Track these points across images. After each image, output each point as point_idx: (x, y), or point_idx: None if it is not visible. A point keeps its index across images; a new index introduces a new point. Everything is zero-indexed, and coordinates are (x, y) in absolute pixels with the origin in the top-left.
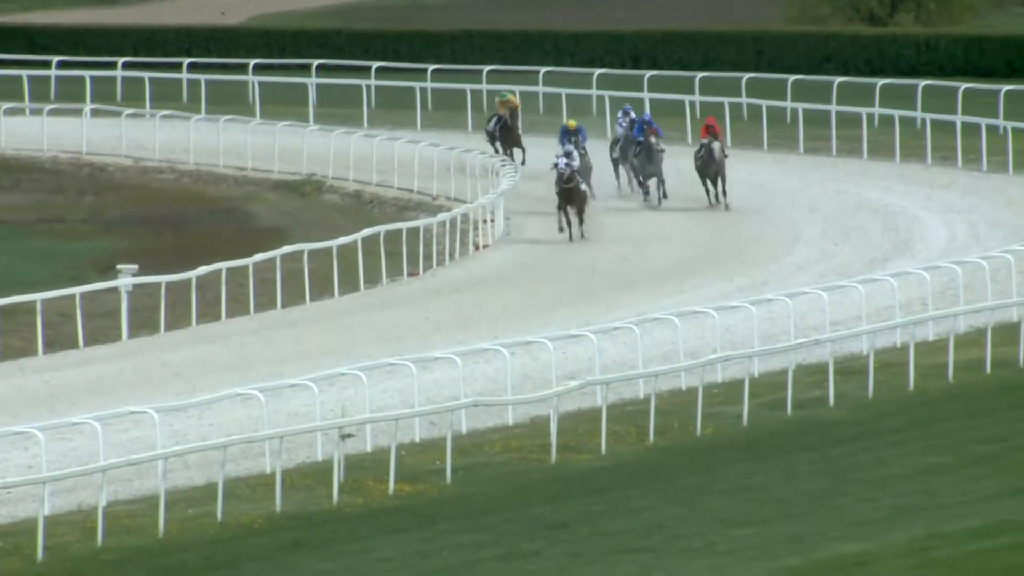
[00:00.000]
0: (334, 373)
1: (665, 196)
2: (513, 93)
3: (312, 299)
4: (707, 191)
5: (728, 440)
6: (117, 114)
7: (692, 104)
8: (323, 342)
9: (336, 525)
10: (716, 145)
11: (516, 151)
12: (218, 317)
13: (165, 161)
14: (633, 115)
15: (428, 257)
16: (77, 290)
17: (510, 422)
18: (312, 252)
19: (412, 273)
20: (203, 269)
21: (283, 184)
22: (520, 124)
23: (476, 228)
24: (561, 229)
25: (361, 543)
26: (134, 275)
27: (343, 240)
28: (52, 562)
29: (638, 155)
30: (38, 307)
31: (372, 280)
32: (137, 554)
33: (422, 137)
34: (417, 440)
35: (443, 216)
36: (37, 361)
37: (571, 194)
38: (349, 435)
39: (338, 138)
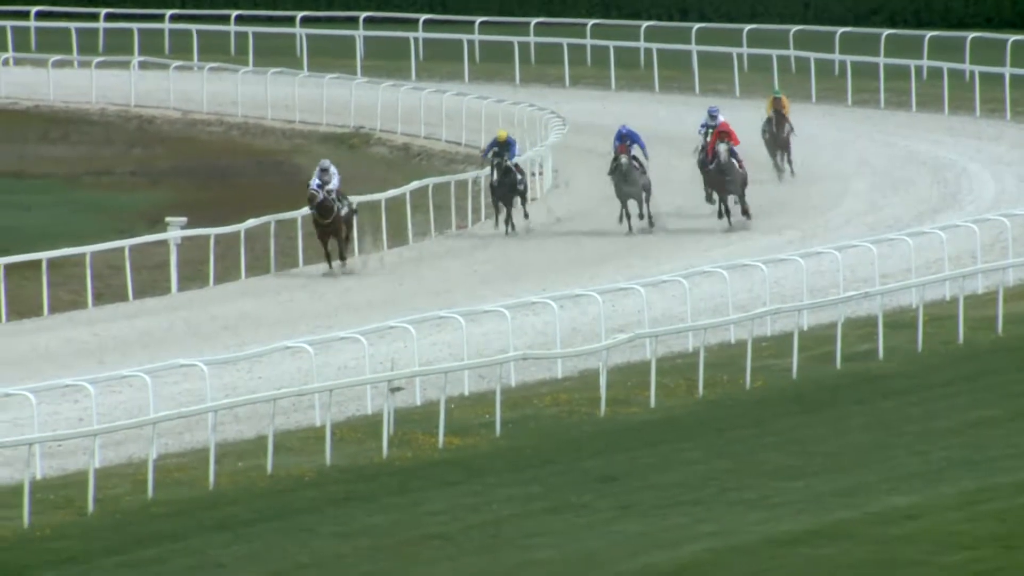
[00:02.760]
0: (383, 326)
1: (651, 223)
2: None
3: (360, 252)
4: (719, 203)
5: (778, 393)
6: (165, 66)
7: (740, 57)
8: (372, 295)
9: (386, 478)
10: (723, 147)
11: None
12: (267, 270)
13: (213, 114)
14: (721, 118)
15: (476, 210)
16: (126, 243)
17: (559, 375)
18: (360, 205)
19: (460, 226)
20: (252, 222)
21: (331, 137)
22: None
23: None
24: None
25: (411, 496)
26: (183, 228)
27: (391, 193)
28: (103, 515)
29: (613, 172)
30: (87, 260)
31: (421, 233)
32: (187, 507)
33: (470, 90)
34: (466, 393)
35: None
36: (87, 314)
37: (327, 229)
38: (398, 388)
39: (386, 91)
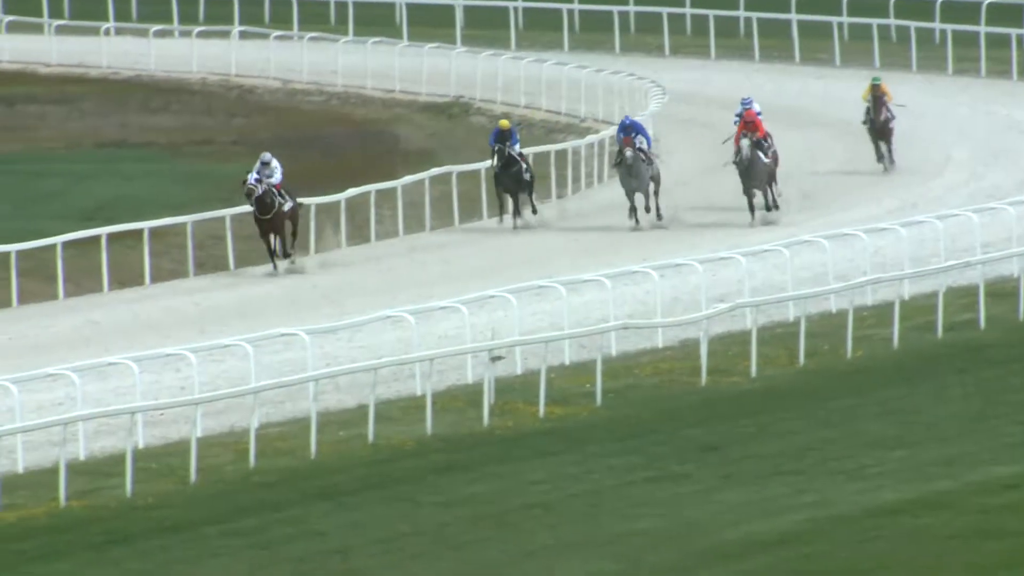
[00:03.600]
0: (484, 296)
1: (659, 216)
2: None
3: (461, 221)
4: (749, 203)
5: (879, 363)
6: (265, 36)
7: (840, 26)
8: (472, 265)
9: (487, 447)
10: (745, 144)
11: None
12: (367, 239)
13: (313, 83)
14: (756, 107)
15: (576, 179)
16: (227, 212)
17: (660, 344)
18: (460, 174)
19: (560, 196)
20: (351, 191)
21: (431, 106)
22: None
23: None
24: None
25: (512, 465)
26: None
27: (491, 162)
28: (205, 484)
29: (618, 165)
30: (188, 229)
31: (520, 203)
32: (289, 476)
33: (570, 59)
34: (567, 363)
35: (591, 138)
36: (188, 283)
37: (268, 226)
38: (499, 357)
39: (486, 60)
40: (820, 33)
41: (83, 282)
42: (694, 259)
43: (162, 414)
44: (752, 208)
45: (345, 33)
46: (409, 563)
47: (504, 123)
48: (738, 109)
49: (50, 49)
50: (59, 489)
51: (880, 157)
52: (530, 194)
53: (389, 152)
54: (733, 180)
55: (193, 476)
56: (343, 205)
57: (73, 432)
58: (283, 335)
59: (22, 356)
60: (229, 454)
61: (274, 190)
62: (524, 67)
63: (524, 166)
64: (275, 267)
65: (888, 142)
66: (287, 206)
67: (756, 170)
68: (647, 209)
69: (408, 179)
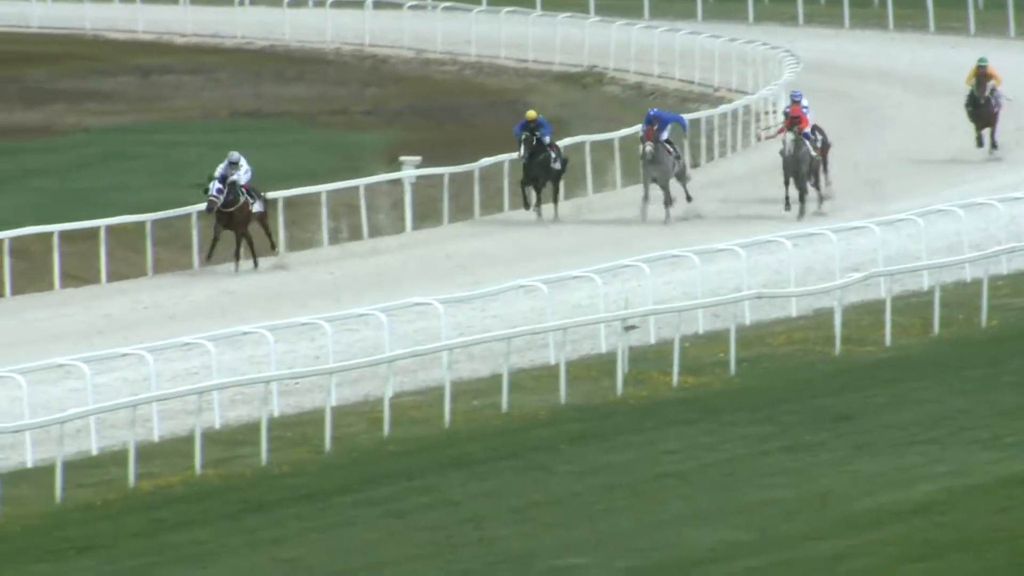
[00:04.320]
0: (617, 265)
1: (688, 198)
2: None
3: (594, 191)
4: (786, 195)
5: (1014, 332)
6: (399, 6)
7: None
8: (605, 233)
9: (620, 417)
10: (789, 138)
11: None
12: (500, 208)
13: (447, 53)
14: (805, 104)
15: (710, 148)
16: (361, 181)
17: (793, 314)
18: (594, 144)
19: (694, 165)
20: (485, 161)
21: (564, 76)
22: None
23: (757, 119)
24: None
25: (645, 435)
26: (417, 167)
27: (624, 132)
28: (339, 452)
29: (642, 157)
30: (323, 198)
31: None
32: (423, 445)
33: (703, 28)
34: (700, 332)
35: (724, 108)
36: (322, 252)
37: (231, 219)
38: (633, 327)
39: (619, 29)
40: (955, 2)
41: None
42: (828, 228)
43: (297, 383)
44: (788, 200)
45: (479, 3)
46: (542, 532)
47: (531, 113)
48: (786, 102)
49: (185, 19)
50: (195, 458)
51: (980, 142)
52: (556, 186)
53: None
54: (870, 148)
55: (327, 445)
56: (476, 174)
57: (208, 401)
58: (417, 304)
59: (158, 326)
60: (363, 423)
61: (240, 188)
62: (657, 36)
63: (553, 155)
64: (236, 268)
65: (993, 128)
66: (255, 206)
67: (800, 164)
68: (665, 202)
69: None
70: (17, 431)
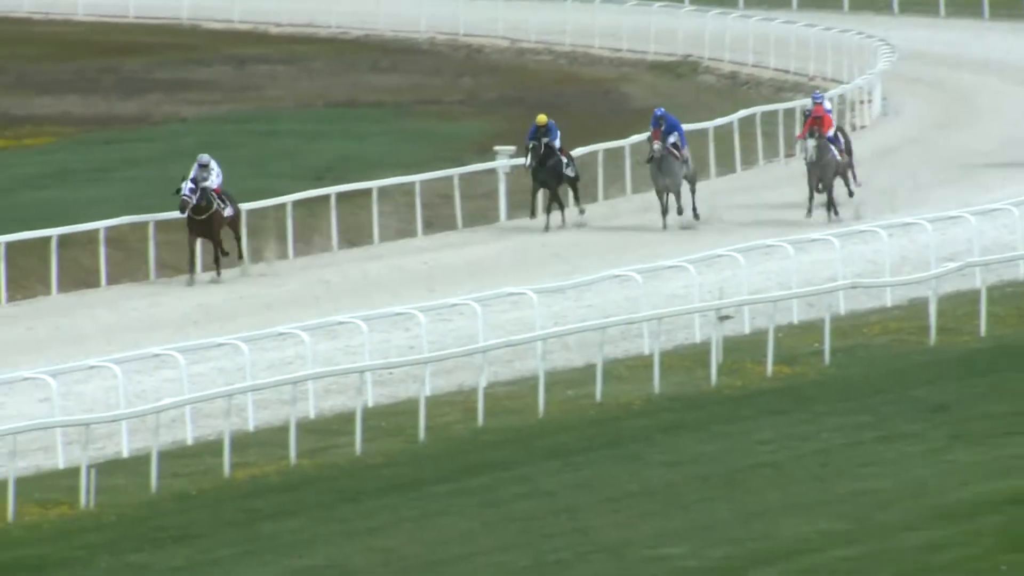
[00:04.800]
0: (711, 255)
1: (696, 215)
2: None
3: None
4: (809, 201)
5: None
6: None
7: None
8: (701, 224)
9: (715, 407)
10: (811, 143)
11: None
12: (595, 198)
13: (541, 42)
14: (828, 106)
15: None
16: (455, 171)
17: (888, 304)
18: (688, 133)
19: (789, 154)
20: (580, 150)
21: (658, 65)
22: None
23: (853, 108)
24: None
25: (740, 425)
26: (511, 156)
27: (719, 121)
28: (434, 442)
29: (649, 162)
30: (416, 188)
31: (748, 162)
32: (517, 435)
33: (798, 17)
34: (795, 322)
35: None
36: (416, 242)
37: (202, 226)
38: (727, 317)
39: (714, 18)
40: None
41: (313, 241)
42: (923, 218)
43: (391, 373)
44: (811, 207)
45: None
46: (637, 522)
47: (541, 118)
48: (808, 105)
49: (281, 9)
50: (289, 447)
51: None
52: (575, 193)
53: (617, 111)
54: (959, 138)
55: (422, 435)
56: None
57: (303, 391)
58: (511, 294)
59: (253, 315)
60: (457, 413)
61: (211, 193)
62: (752, 25)
63: (564, 160)
64: (191, 277)
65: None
66: (227, 211)
67: (826, 170)
68: (679, 211)
69: (636, 138)
70: (113, 421)
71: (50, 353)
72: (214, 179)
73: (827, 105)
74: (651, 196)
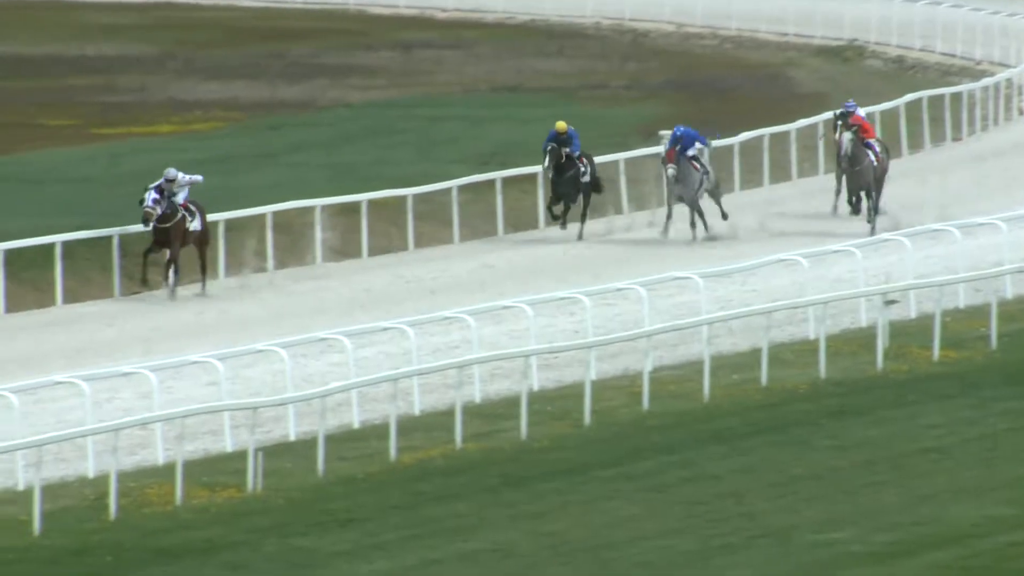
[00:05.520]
0: (878, 240)
1: (706, 227)
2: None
3: (799, 176)
4: (848, 196)
5: None
6: None
7: None
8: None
9: (881, 391)
10: (847, 136)
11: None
12: (760, 184)
13: (707, 27)
14: (860, 112)
15: (971, 122)
16: (620, 156)
17: None
18: (774, 136)
19: (956, 139)
20: (745, 135)
21: (825, 49)
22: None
23: (1021, 93)
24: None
25: (906, 409)
26: None
27: (885, 105)
28: (599, 426)
29: (667, 181)
30: None
31: (915, 145)
32: (682, 419)
33: (965, 1)
34: (961, 306)
35: (987, 81)
36: (588, 227)
37: (166, 236)
38: (893, 301)
39: (880, 3)
40: None
41: (478, 225)
42: None
43: (556, 357)
44: (837, 205)
45: None
46: (803, 506)
47: (561, 125)
48: (839, 112)
49: None
50: (455, 431)
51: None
52: (586, 201)
53: (783, 96)
54: None
55: (587, 419)
56: (736, 148)
57: (469, 375)
58: (676, 278)
59: (419, 299)
60: (622, 397)
61: (178, 205)
62: (919, 9)
63: (583, 168)
64: (144, 286)
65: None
66: (193, 224)
67: (863, 168)
68: (692, 224)
69: (802, 123)
70: (280, 404)
71: (217, 337)
72: (182, 194)
73: (860, 113)
74: (818, 180)
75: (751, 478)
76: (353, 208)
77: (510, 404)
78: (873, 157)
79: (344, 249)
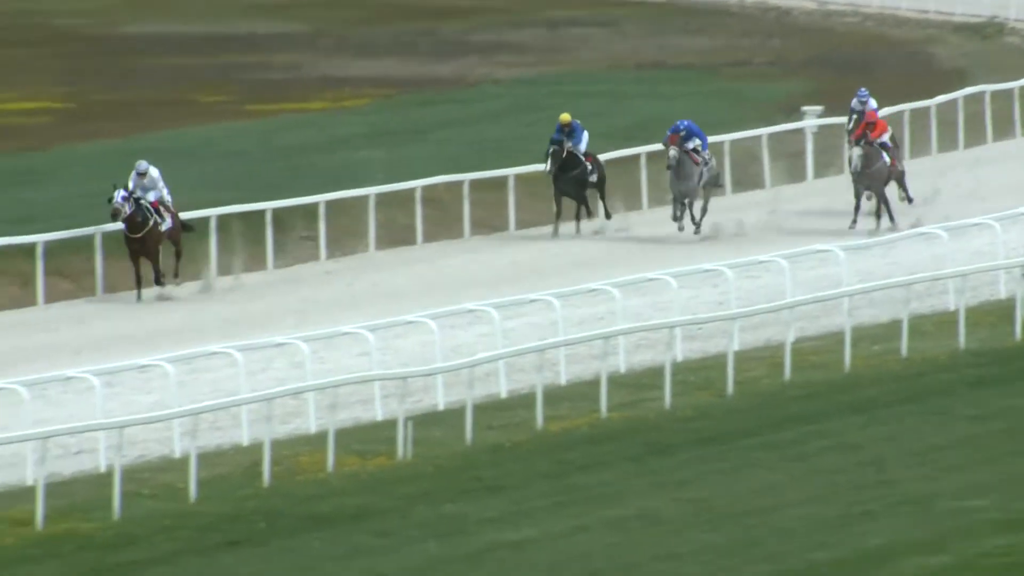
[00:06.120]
0: (1016, 212)
1: (696, 226)
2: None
3: (994, 139)
4: (856, 206)
5: None
6: None
7: None
8: (1003, 181)
9: (1020, 362)
10: (856, 152)
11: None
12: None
13: (848, 4)
14: (872, 103)
15: None
16: (764, 131)
17: None
18: (994, 93)
19: None
20: (885, 110)
21: (964, 26)
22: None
23: None
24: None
25: None
26: (819, 116)
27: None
28: (741, 397)
29: (670, 168)
30: (726, 147)
31: None
32: (823, 389)
33: None
34: None
35: None
36: (725, 201)
37: (137, 247)
38: None
39: None
40: None
41: (623, 199)
42: None
43: (700, 328)
44: (856, 217)
45: None
46: (943, 475)
47: (565, 117)
48: (854, 103)
49: None
50: (600, 401)
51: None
52: (602, 197)
53: (922, 71)
54: None
55: (730, 389)
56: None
57: (614, 346)
58: (818, 251)
59: (565, 272)
60: (764, 367)
61: (149, 207)
62: None
63: (589, 167)
64: (139, 295)
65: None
66: (164, 226)
67: (873, 176)
68: (692, 218)
69: (941, 98)
70: (429, 375)
71: (368, 309)
72: (153, 193)
73: (873, 103)
74: (957, 155)
75: (891, 447)
76: (500, 183)
77: (654, 374)
78: (887, 159)
79: (491, 223)
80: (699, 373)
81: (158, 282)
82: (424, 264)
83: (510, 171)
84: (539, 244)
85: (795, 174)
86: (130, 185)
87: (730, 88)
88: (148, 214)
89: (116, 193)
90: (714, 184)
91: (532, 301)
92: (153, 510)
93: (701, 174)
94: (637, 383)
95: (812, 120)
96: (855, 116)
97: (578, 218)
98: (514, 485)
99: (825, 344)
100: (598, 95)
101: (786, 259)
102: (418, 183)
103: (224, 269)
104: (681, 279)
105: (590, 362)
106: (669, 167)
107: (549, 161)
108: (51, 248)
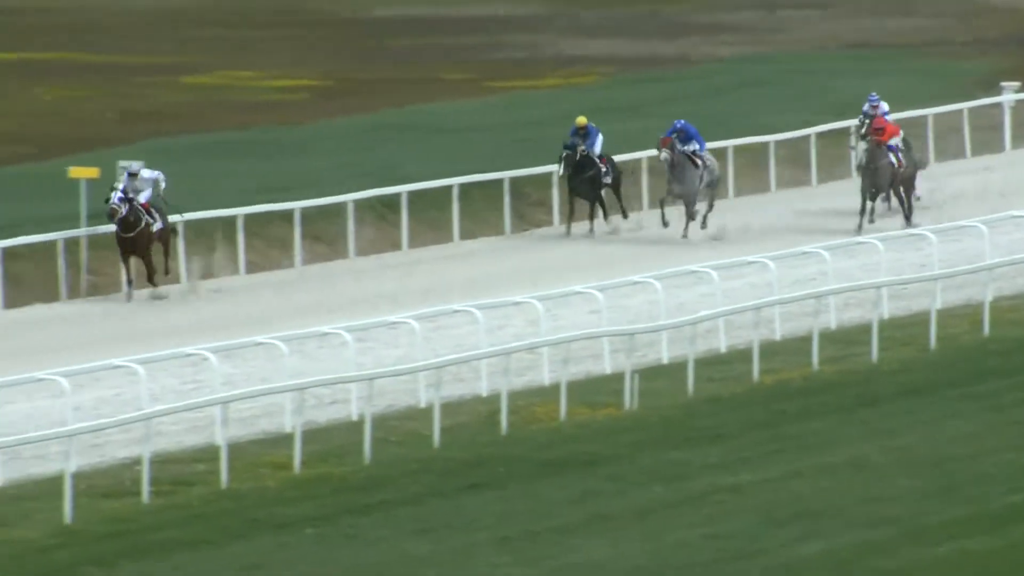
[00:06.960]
0: None
1: (690, 221)
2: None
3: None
4: (861, 209)
5: None
6: None
7: None
8: None
9: None
10: (862, 146)
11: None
12: None
13: None
14: (884, 106)
15: None
16: (963, 105)
17: None
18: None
19: None
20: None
21: None
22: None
23: None
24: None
25: None
26: (1016, 91)
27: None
28: (943, 351)
29: (669, 168)
30: (928, 121)
31: None
32: (1020, 345)
33: None
34: None
35: None
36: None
37: (131, 245)
38: None
39: None
40: None
41: (832, 170)
42: None
43: (905, 288)
44: (862, 220)
45: None
46: None
47: (581, 120)
48: (864, 107)
49: None
50: (812, 355)
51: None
52: (618, 197)
53: None
54: None
55: (932, 344)
56: None
57: (825, 304)
58: (1014, 217)
59: (780, 236)
60: (965, 324)
61: (140, 209)
62: None
63: (603, 169)
64: (129, 293)
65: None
66: (155, 227)
67: (878, 172)
68: (691, 217)
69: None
70: (654, 331)
71: (598, 272)
72: (144, 195)
73: (884, 107)
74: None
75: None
76: (719, 154)
77: (862, 331)
78: (893, 159)
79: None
80: (904, 329)
81: (150, 280)
82: (654, 228)
83: (728, 142)
84: (757, 209)
85: (993, 145)
86: (120, 186)
87: (932, 66)
88: (140, 214)
89: (113, 194)
90: (712, 186)
91: (750, 263)
92: (400, 455)
93: (701, 176)
94: (846, 339)
95: (1009, 95)
96: (867, 121)
97: (592, 218)
98: (732, 433)
99: (1022, 303)
100: (811, 73)
101: (985, 224)
102: (643, 154)
103: (466, 234)
104: (888, 242)
105: (803, 319)
106: (667, 171)
107: (562, 164)
108: (307, 214)
